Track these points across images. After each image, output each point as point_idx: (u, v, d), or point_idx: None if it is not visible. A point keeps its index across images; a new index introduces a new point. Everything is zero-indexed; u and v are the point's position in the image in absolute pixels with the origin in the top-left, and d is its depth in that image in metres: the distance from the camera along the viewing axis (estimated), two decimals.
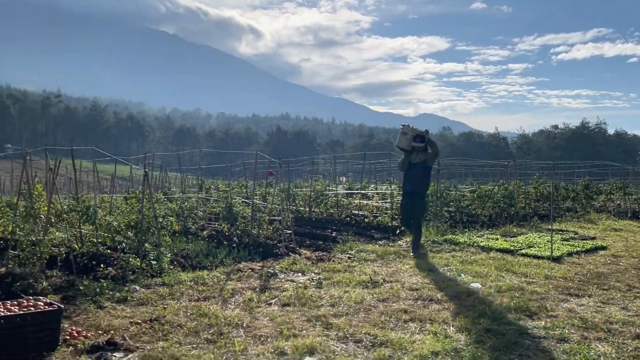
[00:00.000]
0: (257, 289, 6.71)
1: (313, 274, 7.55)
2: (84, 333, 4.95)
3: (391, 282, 7.10)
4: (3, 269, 7.80)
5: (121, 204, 13.90)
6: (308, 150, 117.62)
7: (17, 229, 7.42)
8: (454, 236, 10.81)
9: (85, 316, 5.55)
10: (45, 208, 7.44)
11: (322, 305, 6.00)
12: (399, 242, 10.54)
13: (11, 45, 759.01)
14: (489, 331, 5.11)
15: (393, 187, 16.15)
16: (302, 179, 29.87)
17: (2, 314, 4.46)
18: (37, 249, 7.10)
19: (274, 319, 5.46)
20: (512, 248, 9.66)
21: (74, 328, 5.04)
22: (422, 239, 10.41)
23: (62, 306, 4.69)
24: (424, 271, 7.76)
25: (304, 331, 5.11)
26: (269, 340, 4.88)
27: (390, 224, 12.53)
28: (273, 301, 6.18)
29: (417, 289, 6.69)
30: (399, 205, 14.17)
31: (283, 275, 7.46)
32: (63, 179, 23.18)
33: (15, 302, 4.79)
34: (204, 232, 11.99)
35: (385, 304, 6.08)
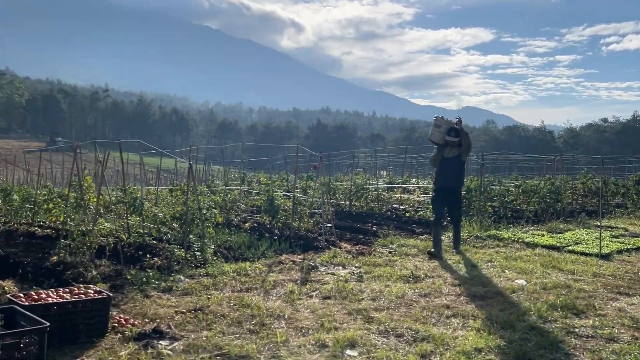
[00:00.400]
0: (298, 281, 6.76)
1: (354, 267, 7.55)
2: (131, 321, 5.10)
3: (433, 277, 7.03)
4: (55, 258, 8.11)
5: (166, 195, 14.25)
6: (348, 144, 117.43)
7: (68, 219, 7.70)
8: (497, 232, 10.61)
9: (132, 304, 5.72)
10: (95, 199, 7.70)
11: (362, 298, 6.00)
12: (442, 237, 10.40)
13: (62, 42, 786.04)
14: (533, 329, 5.00)
15: None
16: (342, 172, 29.88)
17: (56, 300, 4.64)
18: (87, 238, 7.35)
19: (315, 312, 5.49)
20: (558, 244, 9.41)
21: (121, 316, 5.20)
22: (465, 234, 10.26)
23: (111, 294, 4.84)
24: (467, 267, 7.65)
25: (345, 324, 5.12)
26: (310, 332, 4.91)
27: (432, 219, 12.39)
28: (314, 294, 6.21)
29: (459, 285, 6.60)
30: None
31: (324, 268, 7.48)
32: (111, 171, 23.90)
33: (67, 290, 4.98)
34: (246, 224, 12.15)
35: (427, 299, 6.03)
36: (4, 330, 4.23)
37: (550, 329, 4.99)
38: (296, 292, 6.23)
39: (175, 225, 8.65)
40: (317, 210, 11.03)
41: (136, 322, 5.06)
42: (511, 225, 11.81)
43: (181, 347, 4.47)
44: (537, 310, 5.52)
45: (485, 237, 10.12)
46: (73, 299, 4.70)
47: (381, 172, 21.01)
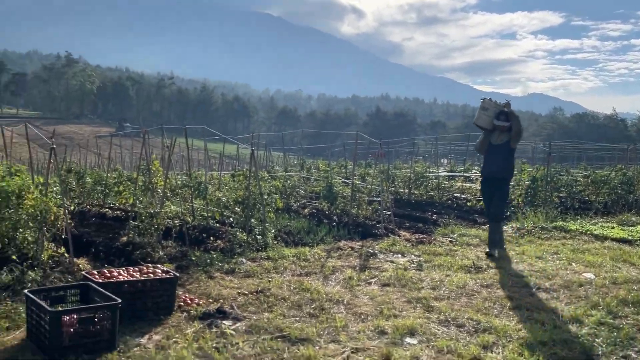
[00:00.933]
0: (357, 268, 6.79)
1: (413, 255, 7.49)
2: (196, 300, 5.29)
3: (495, 268, 6.87)
4: (124, 238, 8.50)
5: (228, 181, 14.58)
6: (407, 131, 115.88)
7: (137, 202, 8.04)
8: (564, 223, 10.21)
9: (197, 285, 5.92)
10: (162, 183, 7.99)
11: (422, 287, 5.95)
12: (505, 227, 10.14)
13: (130, 31, 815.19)
14: (602, 324, 4.80)
15: None
16: (402, 160, 29.57)
17: (126, 278, 4.87)
18: (154, 220, 7.65)
19: (374, 298, 5.49)
20: (630, 238, 8.96)
21: (187, 295, 5.40)
22: (530, 224, 9.95)
23: (177, 275, 5.04)
24: (531, 258, 7.42)
25: (404, 312, 5.10)
26: (369, 318, 4.93)
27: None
28: (373, 280, 6.22)
29: (523, 276, 6.43)
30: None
31: (382, 256, 7.47)
32: (176, 156, 24.69)
33: (137, 269, 5.22)
34: (305, 210, 12.28)
35: (489, 289, 5.91)
36: (79, 305, 4.49)
37: (621, 325, 4.78)
38: (355, 278, 6.26)
39: (237, 209, 8.85)
40: (375, 198, 10.99)
41: (201, 302, 5.24)
42: (579, 217, 11.34)
43: (243, 328, 4.60)
44: (607, 305, 5.29)
45: (551, 228, 9.77)
46: (142, 278, 4.92)
47: (442, 160, 20.64)
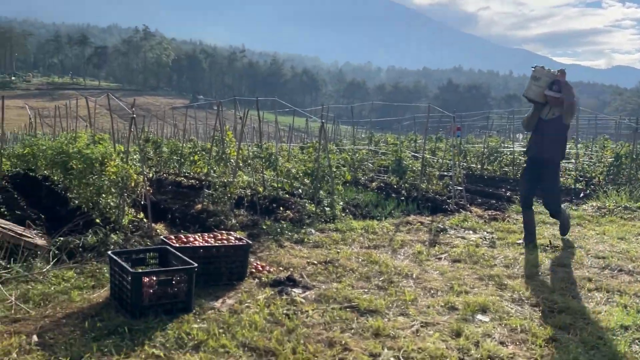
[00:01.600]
0: (427, 243, 6.70)
1: (485, 232, 7.30)
2: (267, 268, 5.41)
3: (573, 247, 6.58)
4: (199, 206, 8.80)
5: (297, 153, 14.72)
6: (480, 104, 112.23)
7: (211, 171, 8.28)
8: None
9: (267, 253, 6.06)
10: (235, 153, 8.17)
11: (495, 264, 5.79)
12: (584, 206, 9.68)
13: (203, 4, 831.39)
14: None
15: (579, 145, 14.75)
16: (474, 134, 28.69)
17: (202, 244, 5.05)
18: (228, 189, 7.86)
19: (444, 274, 5.41)
20: None
21: (258, 262, 5.53)
22: (612, 204, 9.43)
23: (250, 242, 5.16)
24: (613, 239, 7.04)
25: (476, 289, 4.99)
26: (439, 293, 4.86)
27: (573, 186, 11.54)
28: (443, 256, 6.12)
29: (603, 257, 6.11)
30: (578, 166, 12.84)
31: (453, 232, 7.33)
32: (246, 128, 25.15)
33: (211, 235, 5.39)
34: (373, 183, 12.22)
35: (566, 269, 5.67)
36: (158, 268, 4.71)
37: None
38: (424, 253, 6.18)
39: (306, 181, 8.93)
40: (446, 173, 10.75)
41: (271, 269, 5.36)
42: None
43: (313, 296, 4.66)
44: None
45: (635, 208, 9.21)
46: (217, 244, 5.08)
47: (517, 135, 19.85)
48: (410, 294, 4.74)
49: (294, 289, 4.83)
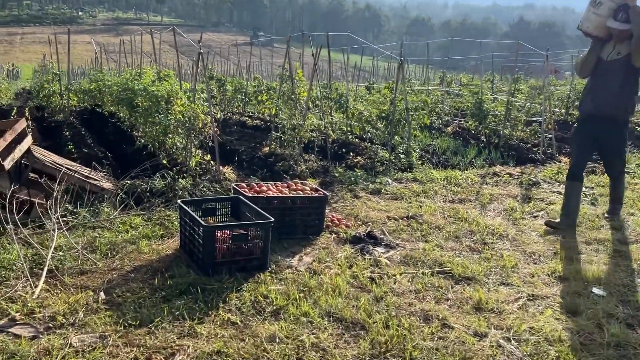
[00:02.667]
0: (519, 198, 6.03)
1: (584, 187, 6.51)
2: (344, 221, 4.95)
3: None
4: (266, 149, 8.40)
5: (364, 94, 14.00)
6: (554, 43, 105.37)
7: (280, 112, 7.79)
8: None
9: (343, 204, 5.59)
10: (305, 94, 7.61)
11: (601, 226, 5.10)
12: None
13: None
14: None
15: None
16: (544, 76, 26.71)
17: (276, 194, 4.62)
18: (297, 133, 7.37)
19: (544, 236, 4.78)
20: None
21: (334, 215, 5.08)
22: None
23: (327, 194, 4.69)
24: None
25: (584, 255, 4.36)
26: (542, 259, 4.27)
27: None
28: (539, 214, 5.46)
29: None
30: None
31: (547, 185, 6.60)
32: (308, 67, 24.40)
33: (285, 184, 4.95)
34: (448, 128, 11.44)
35: None
36: (229, 218, 4.33)
37: None
38: (518, 210, 5.54)
39: (380, 125, 8.32)
40: (536, 118, 9.82)
41: (349, 224, 4.90)
42: None
43: (398, 258, 4.18)
44: None
45: None
46: (292, 195, 4.64)
47: None
48: (510, 259, 4.17)
49: (376, 248, 4.36)
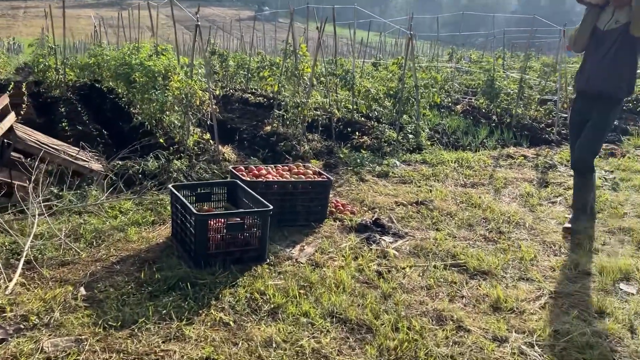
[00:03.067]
0: (535, 183, 5.68)
1: (603, 171, 6.15)
2: (349, 207, 4.63)
3: None
4: (268, 128, 8.04)
5: (370, 70, 13.56)
6: (563, 20, 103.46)
7: (282, 89, 7.41)
8: None
9: (348, 188, 5.26)
10: (309, 70, 7.22)
11: (625, 213, 4.75)
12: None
13: None
14: None
15: None
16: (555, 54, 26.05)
17: (276, 179, 4.29)
18: (300, 111, 7.00)
19: (564, 224, 4.44)
20: None
21: (339, 200, 4.75)
22: None
23: (332, 178, 4.35)
24: None
25: (608, 247, 4.03)
26: (562, 250, 3.94)
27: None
28: (557, 200, 5.12)
29: None
30: None
31: (563, 169, 6.23)
32: (312, 42, 23.80)
33: (287, 168, 4.62)
34: (457, 106, 11.03)
35: None
36: (225, 204, 4.02)
37: None
38: (534, 195, 5.20)
39: (387, 103, 7.93)
40: (550, 97, 9.40)
41: (354, 210, 4.57)
42: None
43: (407, 248, 3.86)
44: None
45: None
46: (293, 179, 4.31)
47: None
48: (528, 251, 3.84)
49: (383, 237, 4.04)
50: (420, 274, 3.44)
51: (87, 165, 4.63)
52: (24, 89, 12.07)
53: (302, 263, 3.51)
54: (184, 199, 3.50)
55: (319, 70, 8.60)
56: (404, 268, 3.51)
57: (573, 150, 4.40)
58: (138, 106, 8.40)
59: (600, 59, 4.17)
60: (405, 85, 7.40)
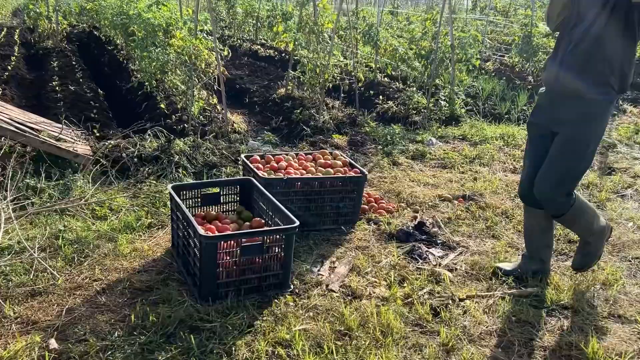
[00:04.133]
0: (595, 167, 4.88)
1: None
2: (384, 202, 3.88)
3: None
4: (282, 90, 7.20)
5: (389, 20, 12.48)
6: None
7: (299, 47, 6.51)
8: None
9: (379, 174, 4.49)
10: (330, 25, 6.29)
11: None
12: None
13: None
14: None
15: None
16: None
17: (299, 175, 3.51)
18: (319, 74, 6.13)
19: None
20: None
21: (370, 193, 4.00)
22: None
23: (366, 173, 3.57)
24: None
25: None
26: None
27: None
28: (627, 192, 4.33)
29: None
30: None
31: (625, 149, 5.41)
32: None
33: (310, 156, 3.82)
34: (487, 63, 10.05)
35: None
36: (240, 209, 3.27)
37: None
38: (599, 186, 4.41)
39: (417, 64, 7.02)
40: None
41: (390, 206, 3.82)
42: None
43: (463, 266, 3.12)
44: None
45: None
46: (319, 174, 3.54)
47: None
48: (612, 273, 3.10)
49: (430, 249, 3.30)
50: (486, 310, 2.72)
51: (71, 149, 3.86)
52: (16, 37, 11.13)
53: (334, 292, 2.80)
54: (186, 210, 2.75)
55: (340, 24, 7.65)
56: (463, 300, 2.78)
57: (524, 172, 2.95)
58: (137, 63, 7.53)
59: (579, 38, 2.65)
60: (440, 45, 6.47)
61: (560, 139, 2.74)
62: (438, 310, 2.69)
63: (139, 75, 7.00)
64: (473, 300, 2.79)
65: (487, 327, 2.58)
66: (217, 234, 2.73)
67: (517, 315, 2.68)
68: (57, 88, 6.87)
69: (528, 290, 2.89)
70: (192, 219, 2.65)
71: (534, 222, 2.99)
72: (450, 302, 2.76)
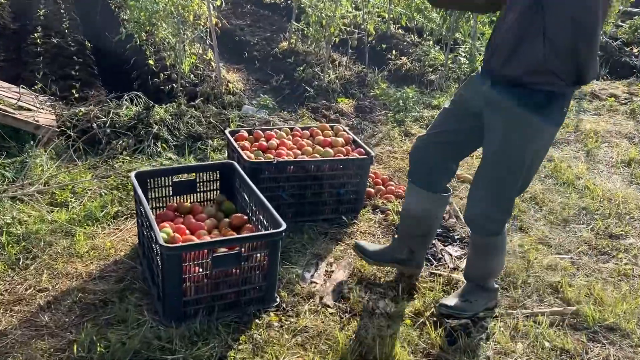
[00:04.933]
0: (637, 140, 4.28)
1: None
2: (392, 185, 3.34)
3: None
4: (284, 43, 6.58)
5: None
6: None
7: None
8: None
9: (388, 148, 3.93)
10: None
11: None
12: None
13: None
14: None
15: None
16: None
17: (292, 157, 2.97)
18: (324, 24, 5.46)
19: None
20: None
21: (378, 174, 3.46)
22: None
23: (372, 154, 3.01)
24: None
25: None
26: None
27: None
28: None
29: None
30: None
31: None
32: None
33: (307, 131, 3.26)
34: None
35: None
36: (221, 198, 2.75)
37: None
38: None
39: (434, 14, 6.31)
40: (638, 10, 7.60)
41: (400, 190, 3.29)
42: None
43: None
44: None
45: None
46: (317, 157, 2.99)
47: None
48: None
49: (446, 248, 2.79)
50: (513, 334, 2.22)
51: (31, 119, 3.33)
52: None
53: (329, 307, 2.31)
54: (146, 206, 2.24)
55: None
56: (484, 319, 2.29)
57: (418, 143, 2.33)
58: (128, 12, 6.88)
59: (524, 8, 1.85)
60: None
61: (492, 149, 2.08)
62: (455, 334, 2.19)
63: (128, 26, 6.37)
64: (497, 321, 2.29)
65: (519, 355, 2.09)
66: (180, 243, 2.22)
67: (553, 340, 2.19)
68: (37, 41, 6.28)
69: (569, 309, 2.38)
70: (153, 219, 2.14)
71: (413, 202, 2.35)
72: (470, 322, 2.26)
